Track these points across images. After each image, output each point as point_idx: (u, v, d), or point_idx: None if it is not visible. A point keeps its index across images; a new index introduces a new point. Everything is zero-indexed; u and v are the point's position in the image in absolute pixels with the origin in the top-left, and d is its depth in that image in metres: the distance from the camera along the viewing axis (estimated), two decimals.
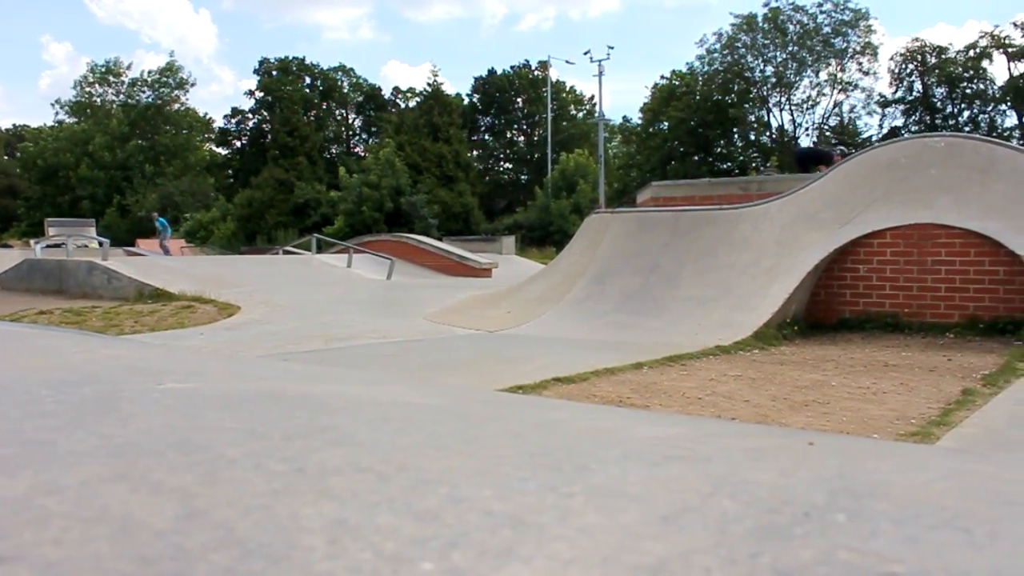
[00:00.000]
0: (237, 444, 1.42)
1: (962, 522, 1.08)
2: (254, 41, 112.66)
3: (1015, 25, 53.55)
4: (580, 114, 74.97)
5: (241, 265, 17.40)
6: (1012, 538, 1.13)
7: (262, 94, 69.46)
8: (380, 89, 77.74)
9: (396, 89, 78.30)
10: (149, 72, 72.97)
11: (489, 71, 73.68)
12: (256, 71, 71.75)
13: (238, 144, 72.78)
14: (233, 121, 72.43)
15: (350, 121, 78.53)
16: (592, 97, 75.00)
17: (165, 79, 72.28)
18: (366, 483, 1.17)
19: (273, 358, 7.44)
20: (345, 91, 76.43)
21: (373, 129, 74.80)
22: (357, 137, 78.56)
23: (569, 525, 1.00)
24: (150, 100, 71.89)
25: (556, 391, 6.16)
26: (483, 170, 72.20)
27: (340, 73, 76.06)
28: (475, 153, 70.99)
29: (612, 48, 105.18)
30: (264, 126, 68.83)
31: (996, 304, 9.81)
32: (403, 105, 73.07)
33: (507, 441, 1.63)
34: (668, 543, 0.94)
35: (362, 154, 66.13)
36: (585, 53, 61.44)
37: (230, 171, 72.12)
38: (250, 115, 71.24)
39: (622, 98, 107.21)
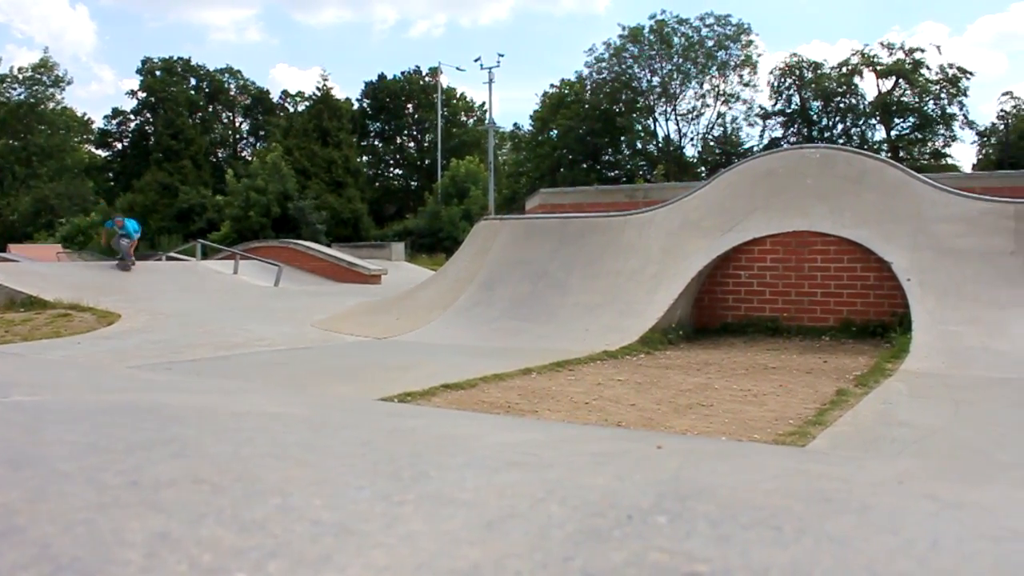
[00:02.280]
0: (74, 458, 1.39)
1: (775, 520, 1.14)
2: (136, 39, 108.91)
3: (882, 45, 56.07)
4: (471, 121, 75.13)
5: (122, 272, 16.87)
6: (817, 534, 1.19)
7: (145, 95, 67.31)
8: (268, 92, 76.31)
9: (285, 93, 77.01)
10: (20, 68, 69.78)
11: (379, 76, 73.20)
12: (139, 71, 69.43)
13: (119, 146, 70.37)
14: (114, 122, 70.04)
15: (237, 124, 76.87)
16: (483, 104, 75.25)
17: (39, 76, 69.12)
18: (199, 494, 1.16)
19: (150, 368, 7.24)
20: (232, 93, 74.80)
21: (261, 133, 73.40)
22: (244, 141, 76.95)
23: (393, 533, 1.01)
24: (22, 98, 68.68)
25: (445, 397, 6.15)
26: (373, 176, 71.64)
27: (227, 75, 74.39)
28: (365, 159, 70.35)
29: (502, 56, 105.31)
30: (147, 128, 66.76)
31: (867, 308, 10.25)
32: (292, 109, 71.90)
33: (355, 450, 1.63)
34: (486, 548, 0.97)
35: (249, 158, 64.72)
36: (476, 60, 61.96)
37: (110, 174, 69.66)
38: (132, 116, 68.98)
39: (512, 105, 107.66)
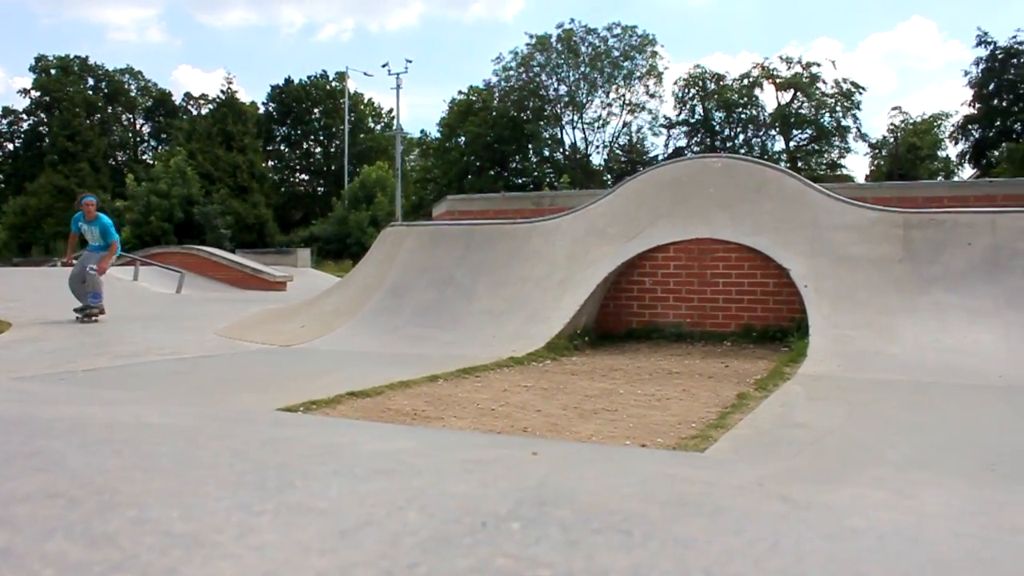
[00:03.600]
0: None
1: (627, 525, 1.18)
2: (29, 37, 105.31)
3: (781, 59, 57.78)
4: (378, 127, 74.70)
5: (13, 278, 16.17)
6: (665, 537, 1.24)
7: (38, 94, 65.09)
8: (171, 94, 74.63)
9: (188, 95, 75.37)
10: None
11: (286, 80, 72.33)
12: (32, 69, 67.14)
13: (10, 147, 67.86)
14: (4, 122, 67.53)
15: (138, 127, 74.91)
16: (391, 110, 74.97)
17: None
18: (52, 509, 1.13)
19: (40, 380, 7.00)
20: (133, 95, 72.87)
21: (163, 136, 71.68)
22: (145, 144, 75.03)
23: (245, 543, 1.01)
24: None
25: (350, 405, 6.09)
26: (278, 181, 70.64)
27: (127, 75, 72.46)
28: (270, 163, 69.35)
29: (411, 62, 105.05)
30: (41, 128, 64.58)
31: (767, 314, 10.53)
32: (195, 112, 70.42)
33: (225, 460, 1.61)
34: (335, 557, 0.97)
35: (151, 162, 63.14)
36: (383, 66, 61.54)
37: (1, 176, 67.10)
38: (24, 116, 66.65)
39: (420, 112, 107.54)
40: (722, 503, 1.88)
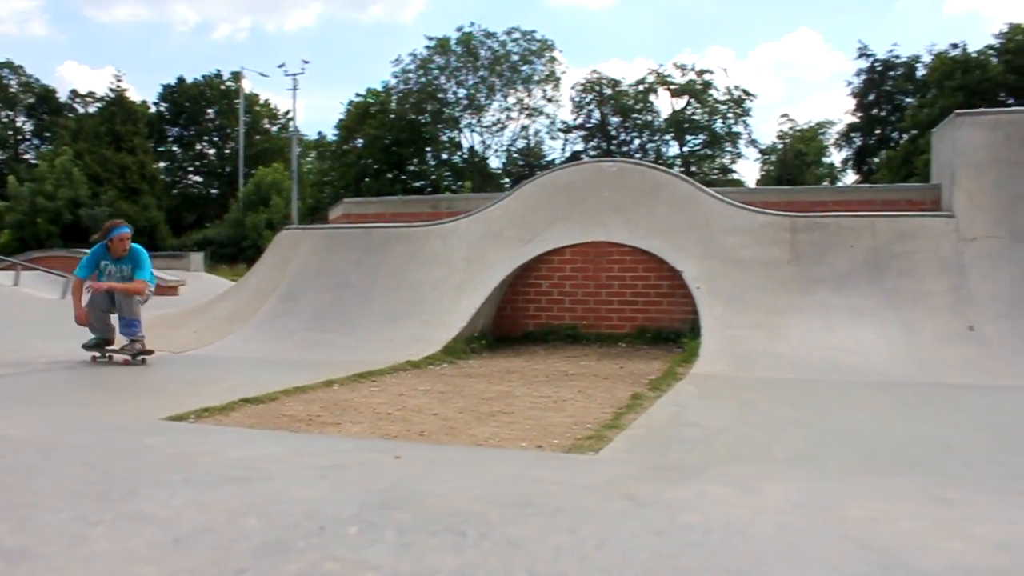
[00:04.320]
0: None
1: (464, 526, 1.19)
2: None
3: (676, 65, 58.98)
4: (275, 128, 73.45)
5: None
6: (499, 538, 1.26)
7: None
8: (55, 91, 71.79)
9: (74, 92, 72.56)
10: None
11: (178, 79, 70.46)
12: None
13: None
14: None
15: (19, 124, 71.90)
16: (287, 112, 73.74)
17: None
18: None
19: None
20: (13, 90, 69.92)
21: (47, 134, 68.89)
22: (28, 143, 72.04)
23: (74, 554, 0.99)
24: None
25: (244, 412, 5.98)
26: (170, 183, 68.75)
27: (7, 70, 69.47)
28: (162, 164, 67.47)
29: (308, 63, 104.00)
30: None
31: (661, 315, 10.72)
32: (82, 110, 67.93)
33: (72, 472, 1.57)
34: (163, 565, 0.96)
35: (35, 161, 60.70)
36: (280, 66, 60.80)
37: None
38: None
39: (318, 114, 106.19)
40: (565, 503, 1.91)
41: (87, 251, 9.78)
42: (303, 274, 11.13)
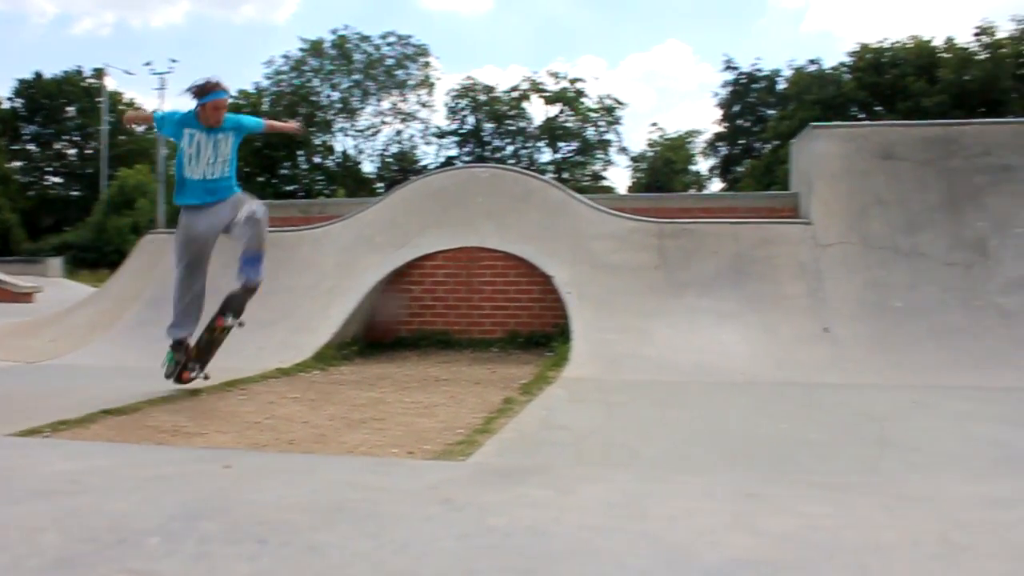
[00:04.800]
0: None
1: (269, 534, 1.19)
2: None
3: (549, 73, 59.76)
4: (140, 129, 70.96)
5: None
6: (300, 545, 1.27)
7: None
8: None
9: None
10: None
11: (36, 75, 67.34)
12: None
13: None
14: None
15: None
16: (154, 111, 71.40)
17: None
18: None
19: None
20: None
21: None
22: None
23: None
24: None
25: (104, 424, 5.77)
26: (26, 184, 65.62)
27: None
28: (16, 164, 64.34)
29: (176, 62, 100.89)
30: None
31: (532, 320, 10.82)
32: None
33: None
34: None
35: None
36: (146, 64, 58.75)
37: None
38: None
39: None
40: (379, 509, 1.93)
41: None
42: (169, 280, 10.76)
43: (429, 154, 65.30)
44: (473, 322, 11.03)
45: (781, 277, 9.49)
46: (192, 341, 7.21)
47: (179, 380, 7.15)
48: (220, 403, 6.77)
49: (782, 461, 4.89)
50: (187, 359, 7.08)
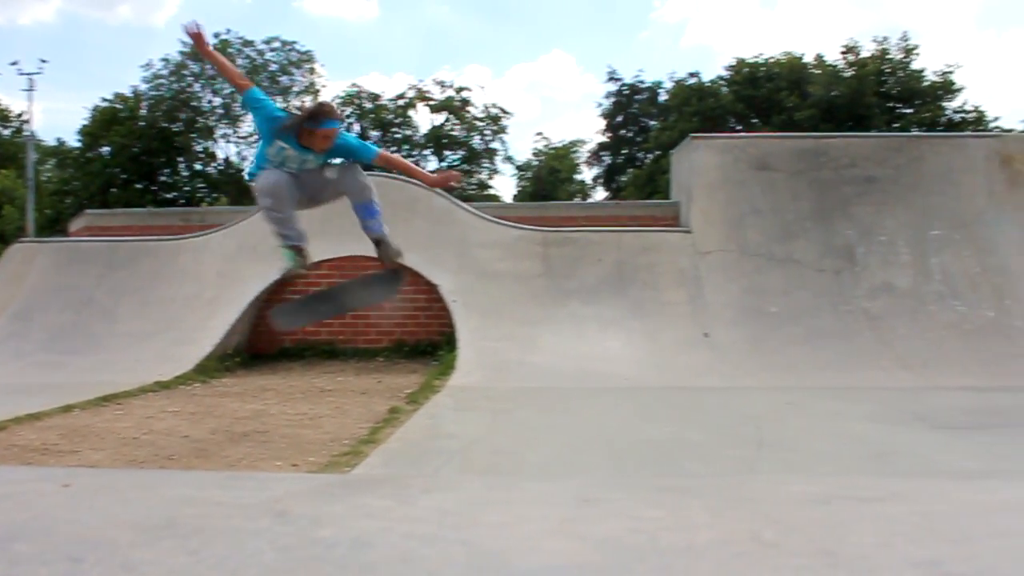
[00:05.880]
0: None
1: (86, 552, 1.19)
2: None
3: (435, 82, 59.73)
4: (7, 131, 67.90)
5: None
6: (116, 563, 1.27)
7: None
8: None
9: None
10: None
11: None
12: None
13: None
14: None
15: None
16: (22, 114, 68.33)
17: None
18: None
19: None
20: None
21: None
22: None
23: None
24: None
25: None
26: None
27: None
28: None
29: (46, 62, 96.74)
30: None
31: (418, 328, 10.80)
32: None
33: None
34: None
35: None
36: (13, 64, 56.28)
37: None
38: None
39: (58, 118, 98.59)
40: (210, 524, 1.93)
41: None
42: (39, 291, 10.37)
43: None
44: (359, 332, 10.93)
45: (663, 284, 9.72)
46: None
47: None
48: (95, 419, 6.53)
49: (662, 463, 5.02)
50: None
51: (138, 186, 55.39)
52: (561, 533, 2.21)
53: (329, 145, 5.83)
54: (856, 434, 5.92)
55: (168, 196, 56.08)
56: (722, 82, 46.78)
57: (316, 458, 5.15)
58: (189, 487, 3.46)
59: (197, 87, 58.67)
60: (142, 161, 56.03)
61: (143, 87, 58.16)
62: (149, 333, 9.62)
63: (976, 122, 42.15)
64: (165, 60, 58.06)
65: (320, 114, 5.75)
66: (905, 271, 9.83)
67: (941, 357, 8.84)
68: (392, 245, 6.34)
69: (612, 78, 53.07)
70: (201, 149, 60.32)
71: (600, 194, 55.94)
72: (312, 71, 61.16)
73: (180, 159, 59.16)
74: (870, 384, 8.07)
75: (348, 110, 59.72)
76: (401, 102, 59.77)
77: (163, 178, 58.59)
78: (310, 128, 5.70)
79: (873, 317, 9.41)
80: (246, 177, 6.19)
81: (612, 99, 53.13)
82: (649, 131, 50.50)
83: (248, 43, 59.05)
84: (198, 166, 60.45)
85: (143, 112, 57.52)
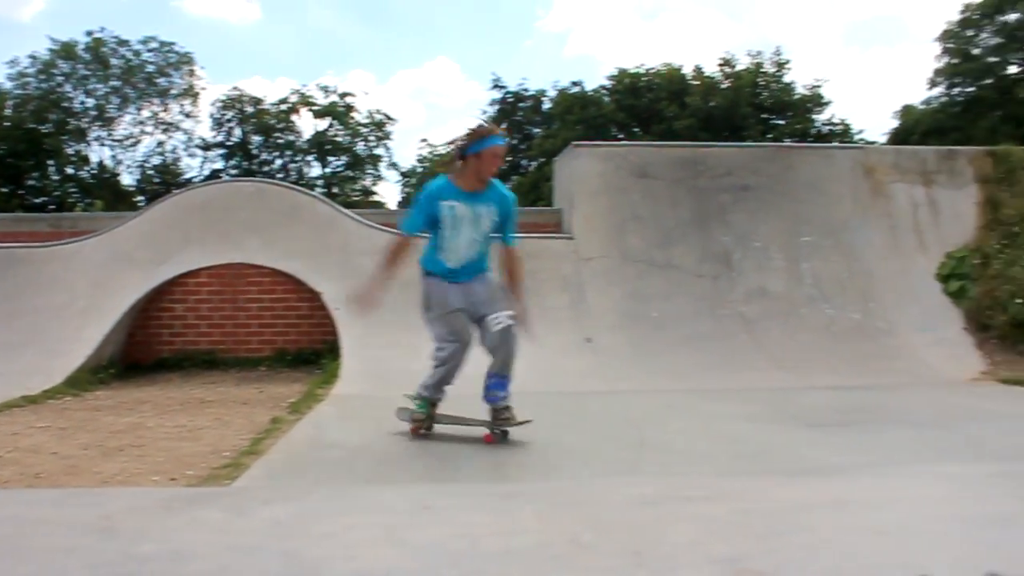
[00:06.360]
0: None
1: None
2: None
3: (318, 87, 59.03)
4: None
5: None
6: None
7: None
8: None
9: None
10: None
11: None
12: None
13: None
14: None
15: None
16: None
17: None
18: None
19: None
20: None
21: None
22: None
23: None
24: None
25: None
26: None
27: None
28: None
29: None
30: None
31: (301, 337, 10.65)
32: None
33: None
34: None
35: None
36: None
37: None
38: None
39: None
40: (26, 543, 1.92)
41: None
42: None
43: (193, 167, 62.73)
44: (240, 340, 10.71)
45: (546, 290, 9.83)
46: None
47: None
48: None
49: (542, 468, 5.10)
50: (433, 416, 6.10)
51: (3, 190, 52.96)
52: (386, 540, 2.22)
53: (498, 166, 5.50)
54: (733, 434, 6.12)
55: (37, 201, 53.75)
56: (604, 91, 47.66)
57: (195, 471, 5.04)
58: (22, 506, 3.36)
59: (68, 87, 56.49)
60: (8, 164, 53.56)
61: (8, 85, 55.65)
62: (15, 345, 9.21)
63: (843, 134, 44.20)
64: (33, 57, 55.70)
65: (477, 135, 5.46)
66: (778, 276, 10.21)
67: (812, 358, 9.22)
68: (514, 415, 5.87)
69: (497, 86, 53.43)
70: (73, 152, 58.07)
71: None
72: (192, 73, 59.54)
73: (50, 162, 56.79)
74: (747, 385, 8.35)
75: (229, 114, 58.49)
76: (284, 107, 58.82)
77: (31, 182, 56.13)
78: (475, 153, 5.38)
79: (749, 320, 9.74)
80: (421, 266, 6.01)
81: (497, 107, 53.46)
82: (533, 139, 51.06)
83: (123, 42, 57.11)
84: (70, 170, 58.17)
85: (8, 112, 55.03)
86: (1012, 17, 39.31)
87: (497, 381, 5.85)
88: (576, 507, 2.86)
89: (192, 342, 10.69)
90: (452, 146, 5.82)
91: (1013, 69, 40.43)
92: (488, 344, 5.79)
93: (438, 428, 6.08)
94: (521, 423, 5.81)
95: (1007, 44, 39.85)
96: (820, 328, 9.70)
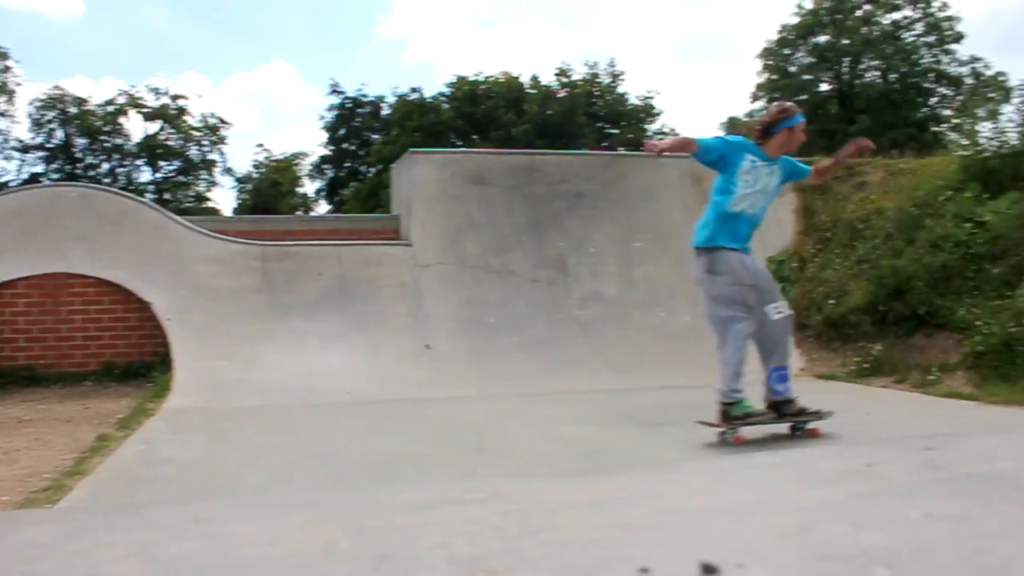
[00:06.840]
0: None
1: None
2: None
3: (149, 88, 56.83)
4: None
5: None
6: None
7: None
8: None
9: None
10: None
11: None
12: None
13: None
14: None
15: None
16: None
17: None
18: None
19: None
20: None
21: None
22: None
23: None
24: None
25: None
26: None
27: None
28: None
29: None
30: None
31: (131, 349, 10.22)
32: None
33: None
34: None
35: None
36: None
37: None
38: None
39: None
40: None
41: None
42: None
43: (9, 171, 59.23)
44: (63, 355, 10.18)
45: (384, 297, 9.84)
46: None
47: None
48: None
49: (383, 475, 5.11)
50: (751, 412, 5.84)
51: None
52: (138, 557, 2.19)
53: (799, 142, 5.86)
54: (570, 435, 6.30)
55: None
56: (443, 98, 47.88)
57: (10, 496, 4.79)
58: None
59: None
60: None
61: None
62: None
63: None
64: None
65: (790, 112, 5.83)
66: (612, 280, 10.54)
67: (645, 360, 9.56)
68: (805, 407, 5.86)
69: (335, 91, 52.80)
70: None
71: (323, 207, 55.48)
72: (7, 69, 56.21)
73: None
74: (584, 388, 8.58)
75: (50, 115, 55.55)
76: (111, 108, 56.27)
77: None
78: (788, 128, 5.78)
79: (584, 324, 10.01)
80: (696, 243, 6.15)
81: (335, 112, 52.88)
82: (371, 145, 50.75)
83: None
84: None
85: None
86: (822, 39, 42.30)
87: (781, 373, 5.82)
88: (348, 514, 2.88)
89: (9, 357, 10.07)
90: (755, 122, 6.35)
91: (824, 87, 43.39)
92: (767, 332, 5.80)
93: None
94: (824, 416, 5.83)
95: (818, 63, 42.77)
96: (652, 331, 10.05)
